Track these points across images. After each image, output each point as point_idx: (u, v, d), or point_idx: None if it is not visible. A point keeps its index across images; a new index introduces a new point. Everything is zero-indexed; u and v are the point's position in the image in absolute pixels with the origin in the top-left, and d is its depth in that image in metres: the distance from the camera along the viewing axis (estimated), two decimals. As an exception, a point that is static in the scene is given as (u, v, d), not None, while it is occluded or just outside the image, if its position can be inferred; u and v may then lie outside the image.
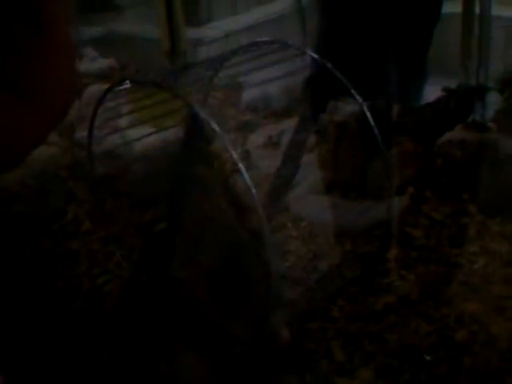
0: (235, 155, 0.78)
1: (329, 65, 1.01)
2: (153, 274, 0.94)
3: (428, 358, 1.00)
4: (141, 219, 1.14)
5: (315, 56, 1.02)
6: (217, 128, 0.81)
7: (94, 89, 1.77)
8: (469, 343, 1.03)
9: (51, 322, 1.10)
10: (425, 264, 1.21)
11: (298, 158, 1.36)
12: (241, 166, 0.76)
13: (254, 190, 0.78)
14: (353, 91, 0.99)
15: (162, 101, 1.02)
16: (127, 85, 0.95)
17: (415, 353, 1.01)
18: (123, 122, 1.29)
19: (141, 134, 1.17)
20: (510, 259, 1.20)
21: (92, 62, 2.27)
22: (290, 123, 1.68)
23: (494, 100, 1.83)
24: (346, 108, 1.44)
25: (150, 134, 1.16)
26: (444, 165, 1.43)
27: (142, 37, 3.14)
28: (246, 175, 0.75)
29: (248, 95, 1.87)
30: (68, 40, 0.58)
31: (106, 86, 1.24)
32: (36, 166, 1.61)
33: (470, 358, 0.99)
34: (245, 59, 1.15)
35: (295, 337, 1.05)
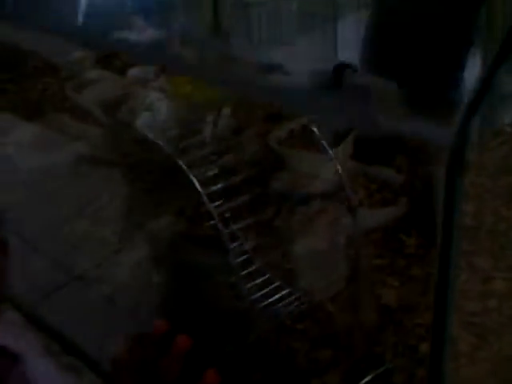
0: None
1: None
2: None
3: (390, 366, 1.11)
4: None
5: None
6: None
7: (134, 71, 1.87)
8: (431, 356, 1.12)
9: None
10: (409, 273, 1.30)
11: None
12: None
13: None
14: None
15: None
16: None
17: (379, 361, 1.12)
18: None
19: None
20: (490, 276, 1.27)
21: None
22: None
23: None
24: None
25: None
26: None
27: None
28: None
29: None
30: None
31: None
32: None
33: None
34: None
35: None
